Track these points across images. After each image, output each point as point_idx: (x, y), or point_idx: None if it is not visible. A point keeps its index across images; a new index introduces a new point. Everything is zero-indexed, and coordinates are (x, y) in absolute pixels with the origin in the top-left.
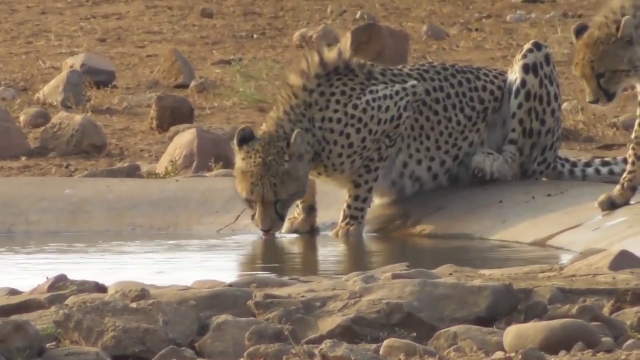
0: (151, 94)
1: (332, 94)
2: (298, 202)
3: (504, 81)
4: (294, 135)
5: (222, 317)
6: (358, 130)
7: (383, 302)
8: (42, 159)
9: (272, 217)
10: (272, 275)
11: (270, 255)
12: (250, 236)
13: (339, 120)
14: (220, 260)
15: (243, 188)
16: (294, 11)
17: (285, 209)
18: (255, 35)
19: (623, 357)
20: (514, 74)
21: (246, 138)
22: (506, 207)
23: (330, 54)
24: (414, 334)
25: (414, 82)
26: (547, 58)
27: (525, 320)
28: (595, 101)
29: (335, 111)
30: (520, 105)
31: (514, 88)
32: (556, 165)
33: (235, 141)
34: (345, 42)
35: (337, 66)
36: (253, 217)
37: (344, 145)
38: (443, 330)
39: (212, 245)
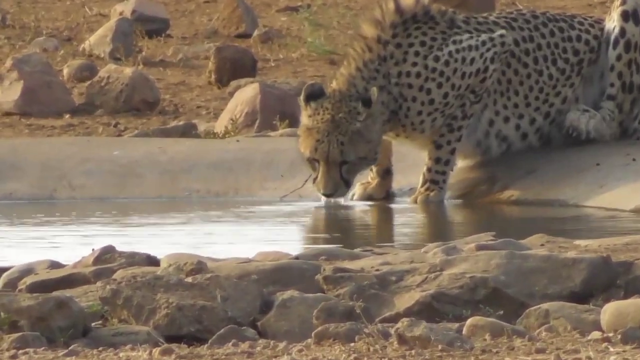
0: (209, 44)
1: (410, 45)
2: (373, 165)
3: (601, 30)
4: (371, 92)
5: (288, 294)
6: (440, 85)
7: (466, 276)
8: (88, 117)
9: (336, 181)
10: (343, 247)
11: (341, 224)
12: (319, 203)
13: (418, 75)
14: (285, 229)
15: (307, 146)
16: None
17: (352, 173)
18: None
19: None
20: (612, 22)
21: (314, 94)
22: (604, 170)
23: (407, 0)
24: (501, 312)
25: (502, 31)
26: None
27: (625, 297)
28: None
29: (414, 64)
30: (619, 57)
31: (612, 38)
32: None
33: (302, 97)
34: None
35: (415, 14)
36: (315, 180)
37: (424, 102)
38: (533, 308)
39: (276, 213)
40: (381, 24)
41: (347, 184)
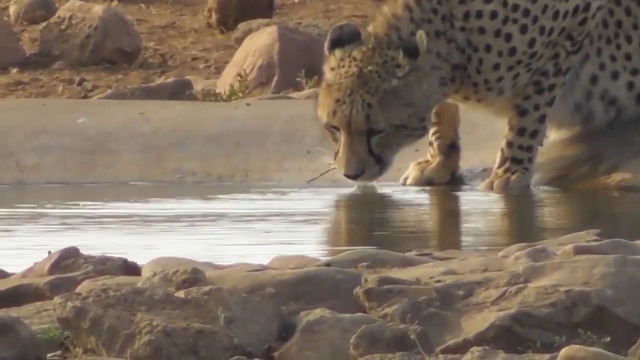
0: None
1: None
2: (433, 138)
3: None
4: (418, 37)
5: (316, 313)
6: (523, 29)
7: (560, 290)
8: (43, 72)
9: (362, 157)
10: (391, 250)
11: (389, 217)
12: (358, 189)
13: (493, 15)
14: (312, 227)
15: (324, 108)
16: None
17: (386, 148)
18: None
19: None
20: None
21: (343, 39)
22: None
23: None
24: (608, 339)
25: None
26: None
27: None
28: None
29: (488, 1)
30: None
31: None
32: None
33: (326, 43)
34: None
35: None
36: (336, 155)
37: (503, 52)
38: None
39: (300, 203)
40: None
41: (380, 162)
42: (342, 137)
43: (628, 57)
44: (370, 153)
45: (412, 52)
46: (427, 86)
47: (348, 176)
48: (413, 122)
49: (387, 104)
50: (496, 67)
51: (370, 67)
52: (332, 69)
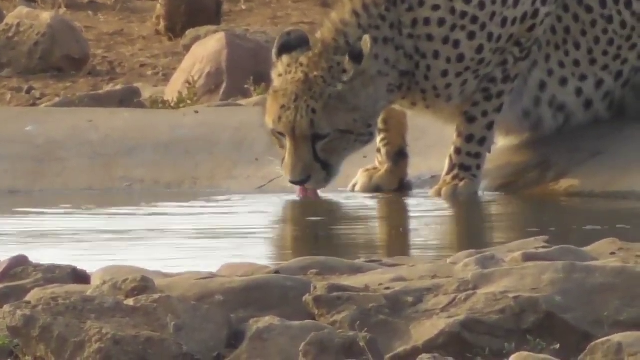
0: None
1: None
2: (381, 145)
3: None
4: (363, 42)
5: (265, 321)
6: (472, 35)
7: (509, 296)
8: None
9: (307, 163)
10: (340, 257)
11: (338, 224)
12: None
13: (441, 22)
14: (261, 233)
15: (270, 114)
16: None
17: (332, 153)
18: None
19: None
20: None
21: (290, 45)
22: None
23: None
24: (557, 346)
25: None
26: None
27: None
28: None
29: (436, 8)
30: None
31: None
32: None
33: (274, 49)
34: None
35: None
36: (283, 161)
37: (451, 58)
38: (601, 340)
39: (249, 210)
40: None
41: (327, 168)
42: (288, 143)
43: (576, 63)
44: (316, 159)
45: (357, 56)
46: (374, 91)
47: (294, 182)
48: (359, 127)
49: (331, 109)
50: (444, 73)
51: (316, 73)
52: (280, 75)
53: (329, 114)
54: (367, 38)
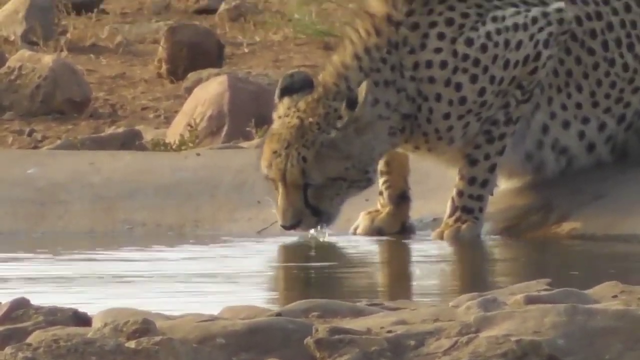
0: (159, 23)
1: (433, 24)
2: (383, 188)
3: None
4: (361, 87)
5: None
6: (474, 79)
7: (512, 339)
8: None
9: (297, 209)
10: (341, 300)
11: (341, 268)
12: (312, 239)
13: (443, 65)
14: (263, 276)
15: (264, 159)
16: None
17: (322, 199)
18: None
19: None
20: None
21: (293, 87)
22: None
23: None
24: None
25: (559, 4)
26: None
27: None
28: None
29: (438, 51)
30: None
31: None
32: None
33: (277, 91)
34: None
35: None
36: (276, 205)
37: (453, 101)
38: None
39: (250, 252)
40: None
41: (318, 213)
42: (279, 188)
43: (579, 106)
44: (307, 204)
45: (353, 103)
46: (371, 137)
47: (284, 227)
48: (352, 174)
49: (323, 157)
50: (446, 116)
51: (311, 119)
52: (279, 117)
53: (321, 163)
54: (363, 85)
